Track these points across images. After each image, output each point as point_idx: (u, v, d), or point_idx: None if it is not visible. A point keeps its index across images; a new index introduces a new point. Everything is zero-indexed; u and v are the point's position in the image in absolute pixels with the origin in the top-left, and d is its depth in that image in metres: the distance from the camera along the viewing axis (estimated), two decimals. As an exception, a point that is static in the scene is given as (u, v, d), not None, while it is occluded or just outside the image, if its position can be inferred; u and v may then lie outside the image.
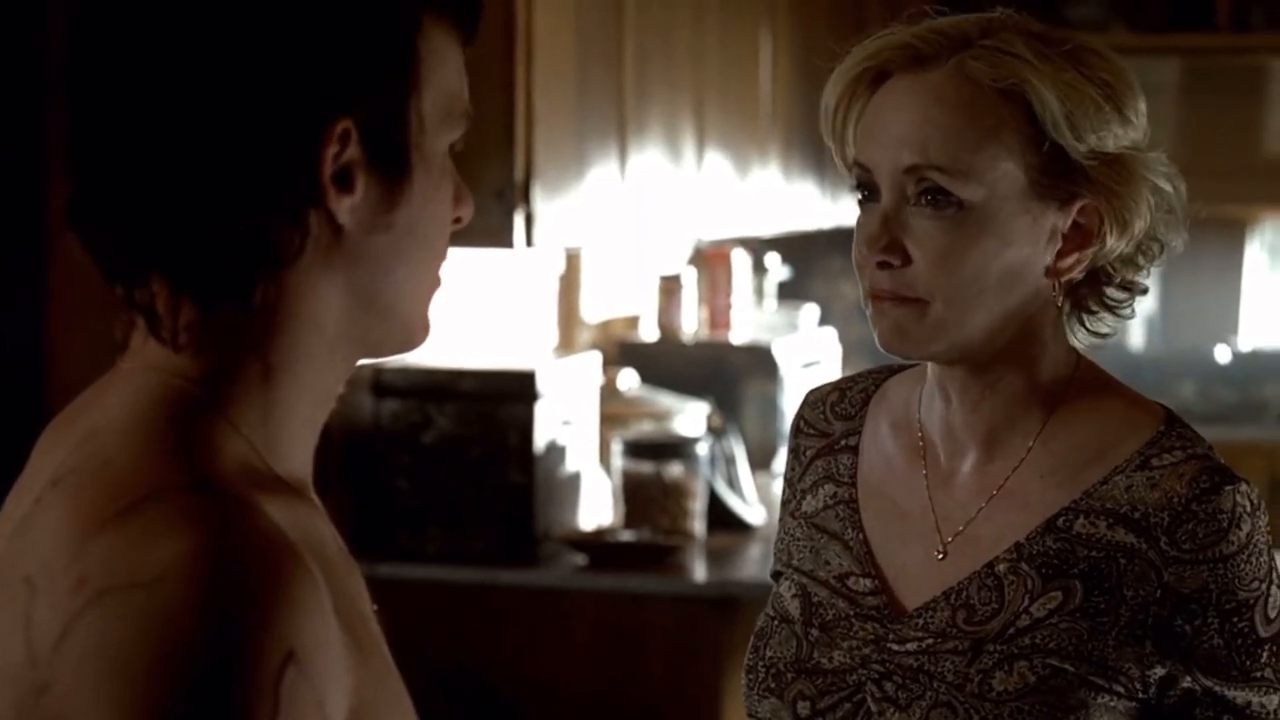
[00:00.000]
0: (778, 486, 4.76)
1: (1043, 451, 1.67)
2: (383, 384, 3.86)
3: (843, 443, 1.79)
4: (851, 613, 1.69)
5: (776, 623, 1.74)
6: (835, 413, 1.82)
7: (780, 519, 1.84)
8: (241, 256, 1.10)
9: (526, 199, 3.60)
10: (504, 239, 3.60)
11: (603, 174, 3.95)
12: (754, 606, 3.93)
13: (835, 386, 1.84)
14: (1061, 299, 1.66)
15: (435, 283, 1.21)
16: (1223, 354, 6.41)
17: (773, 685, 1.70)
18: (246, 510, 1.04)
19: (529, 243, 3.63)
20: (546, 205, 3.66)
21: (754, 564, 4.03)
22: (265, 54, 1.10)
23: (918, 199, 1.61)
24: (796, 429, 1.84)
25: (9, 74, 4.37)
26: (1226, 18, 6.26)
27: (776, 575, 1.80)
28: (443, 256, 1.21)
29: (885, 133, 1.64)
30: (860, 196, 1.66)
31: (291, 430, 1.14)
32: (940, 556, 1.68)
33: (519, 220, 3.59)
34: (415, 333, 1.20)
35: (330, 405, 1.18)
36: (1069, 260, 1.64)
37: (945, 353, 1.65)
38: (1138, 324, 6.38)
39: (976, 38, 1.63)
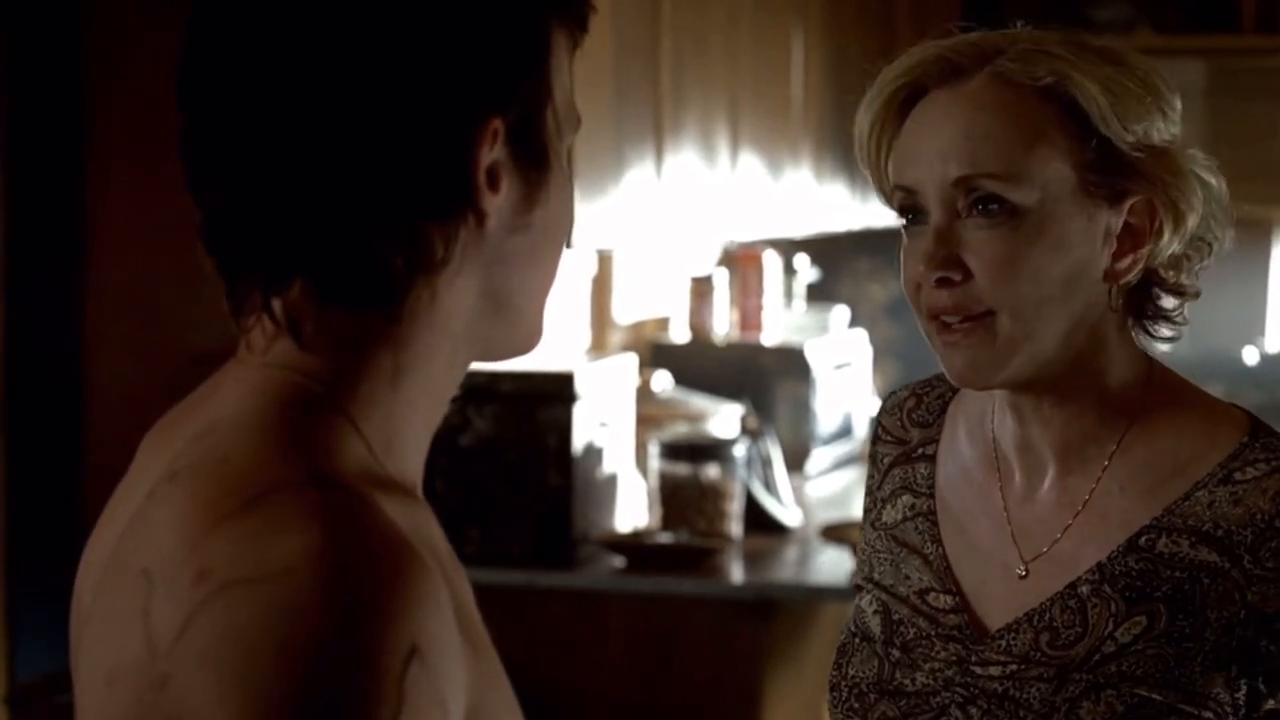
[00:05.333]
0: (811, 488, 4.80)
1: (1121, 465, 1.63)
2: (421, 386, 3.85)
3: (920, 451, 1.76)
4: (933, 632, 1.66)
5: (858, 640, 1.71)
6: (913, 420, 1.78)
7: (862, 529, 1.80)
8: (400, 261, 1.10)
9: (567, 200, 3.59)
10: (545, 240, 3.59)
11: (640, 175, 3.94)
12: (791, 609, 3.95)
13: (913, 392, 1.81)
14: (1117, 303, 1.62)
15: (554, 283, 1.21)
16: (1250, 356, 6.39)
17: (856, 705, 1.68)
18: (367, 507, 1.03)
19: (568, 244, 3.62)
20: (585, 206, 3.65)
21: (791, 566, 4.03)
22: (422, 55, 1.09)
23: (970, 210, 1.57)
24: (875, 436, 1.81)
25: (47, 78, 4.38)
26: (1252, 19, 6.24)
27: (859, 588, 1.77)
28: (562, 257, 1.21)
29: (927, 149, 1.59)
30: (905, 221, 1.61)
31: (409, 432, 1.14)
32: (1022, 574, 1.64)
33: (559, 222, 3.58)
34: (536, 334, 1.20)
35: (445, 409, 1.17)
36: (1125, 262, 1.60)
37: (1018, 375, 1.60)
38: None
39: (1007, 46, 1.60)
